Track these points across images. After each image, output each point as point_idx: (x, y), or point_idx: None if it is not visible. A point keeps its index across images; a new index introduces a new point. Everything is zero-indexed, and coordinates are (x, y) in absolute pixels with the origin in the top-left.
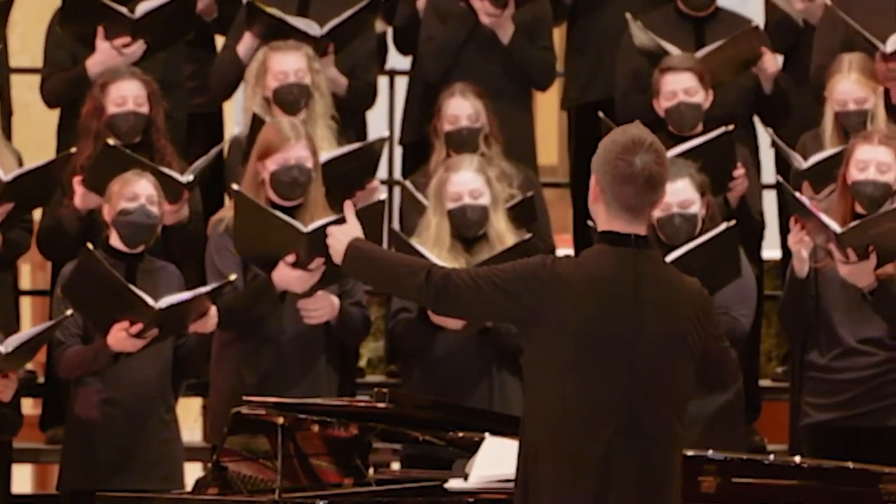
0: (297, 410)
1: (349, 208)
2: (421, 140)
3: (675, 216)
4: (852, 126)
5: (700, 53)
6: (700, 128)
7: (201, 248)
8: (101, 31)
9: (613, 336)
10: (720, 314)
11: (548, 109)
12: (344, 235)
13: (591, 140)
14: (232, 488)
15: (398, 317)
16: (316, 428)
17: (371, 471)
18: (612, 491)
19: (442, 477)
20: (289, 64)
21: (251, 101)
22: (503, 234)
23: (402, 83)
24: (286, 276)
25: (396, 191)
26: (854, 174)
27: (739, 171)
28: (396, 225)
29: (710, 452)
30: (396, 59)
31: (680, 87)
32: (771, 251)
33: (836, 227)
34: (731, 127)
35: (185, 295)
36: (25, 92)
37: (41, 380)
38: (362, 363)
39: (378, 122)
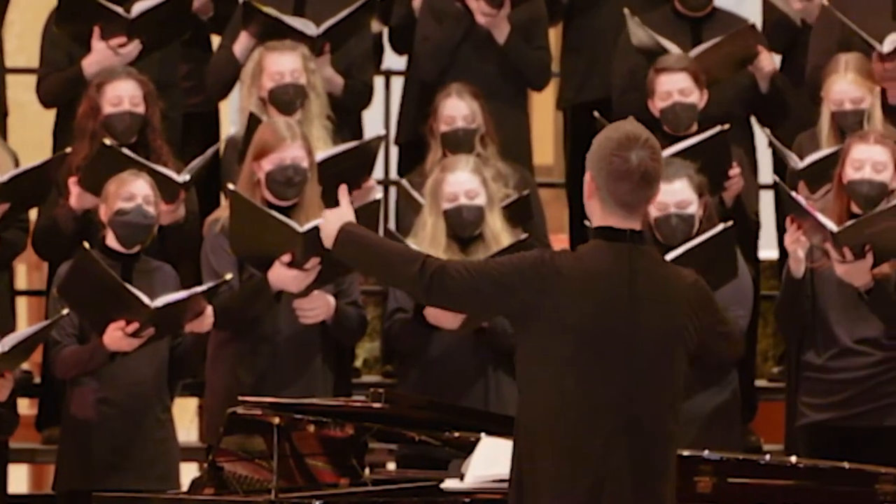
0: (293, 410)
1: (343, 192)
2: (416, 140)
3: (672, 216)
4: (849, 126)
5: (696, 51)
6: (695, 128)
7: (197, 249)
8: (97, 30)
9: (610, 332)
10: None
11: (544, 109)
12: (337, 218)
13: (586, 140)
14: (228, 488)
15: (394, 317)
16: (312, 428)
17: (367, 471)
18: (609, 487)
19: (438, 477)
20: (284, 64)
21: (247, 101)
22: (499, 234)
23: (398, 83)
24: (282, 275)
25: (392, 191)
26: (850, 173)
27: (735, 171)
28: (392, 225)
29: (706, 452)
30: (392, 59)
31: (675, 87)
32: (768, 251)
33: (832, 226)
34: (726, 126)
35: (181, 294)
36: (22, 92)
37: (37, 380)
38: (358, 363)
39: (374, 123)
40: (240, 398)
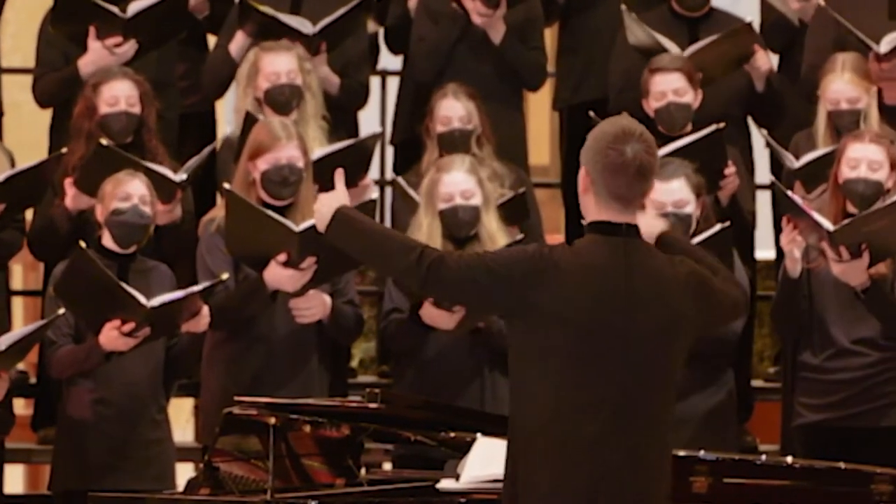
0: (289, 411)
1: (339, 176)
2: (412, 140)
3: (669, 216)
4: (845, 126)
5: (692, 49)
6: (689, 128)
7: (193, 249)
8: (92, 30)
9: (607, 326)
10: None
11: (540, 110)
12: (331, 202)
13: (582, 140)
14: (223, 488)
15: (390, 317)
16: (308, 428)
17: (363, 471)
18: (605, 486)
19: (434, 477)
20: (280, 65)
21: (242, 101)
22: (495, 234)
23: (393, 84)
24: (277, 275)
25: (388, 191)
26: (845, 172)
27: (731, 170)
28: (388, 224)
29: (701, 452)
30: (388, 60)
31: (669, 87)
32: (765, 251)
33: (828, 225)
34: (721, 125)
35: (177, 294)
36: (17, 92)
37: (33, 380)
38: (354, 363)
39: (370, 123)
40: (236, 398)
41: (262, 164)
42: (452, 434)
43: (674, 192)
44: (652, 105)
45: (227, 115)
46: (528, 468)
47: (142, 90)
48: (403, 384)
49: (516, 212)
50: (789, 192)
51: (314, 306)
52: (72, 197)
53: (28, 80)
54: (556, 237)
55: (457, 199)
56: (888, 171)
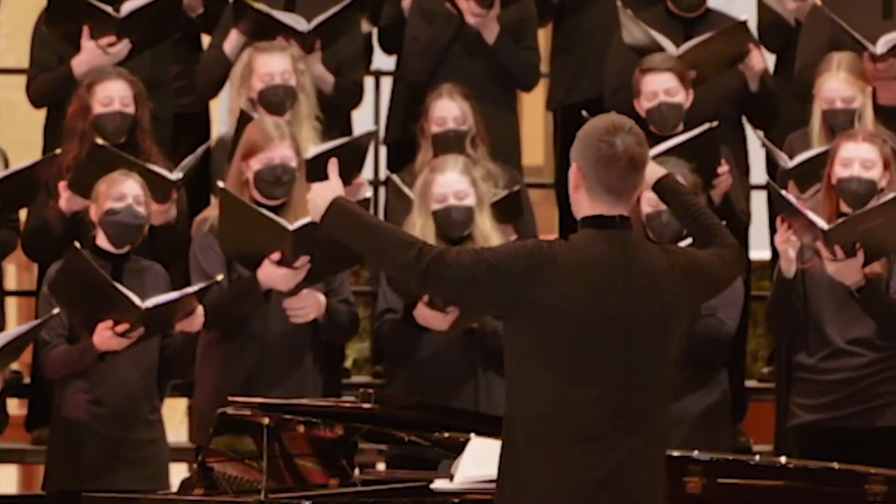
0: (283, 411)
1: (333, 167)
2: (405, 140)
3: (664, 213)
4: (839, 125)
5: (685, 46)
6: (681, 128)
7: (187, 249)
8: (86, 30)
9: (606, 320)
10: (706, 316)
11: (534, 110)
12: (326, 192)
13: None
14: (217, 489)
15: (384, 317)
16: (301, 428)
17: (356, 471)
18: (606, 475)
19: (427, 477)
20: (274, 65)
21: (236, 102)
22: (488, 234)
23: (387, 84)
24: (271, 273)
25: (381, 191)
26: (839, 171)
27: (723, 168)
28: None
29: (695, 453)
30: (382, 60)
31: (661, 87)
32: (760, 252)
33: (822, 224)
34: (714, 123)
35: (172, 295)
36: (11, 92)
37: (27, 380)
38: (348, 364)
39: (363, 123)
40: (229, 398)
41: (256, 163)
42: (446, 434)
43: None
44: (643, 105)
45: (221, 116)
46: (528, 464)
47: (136, 90)
48: (397, 385)
49: (510, 210)
50: (784, 192)
51: (308, 305)
52: (66, 199)
53: (22, 80)
54: (549, 237)
55: (450, 200)
56: (881, 169)
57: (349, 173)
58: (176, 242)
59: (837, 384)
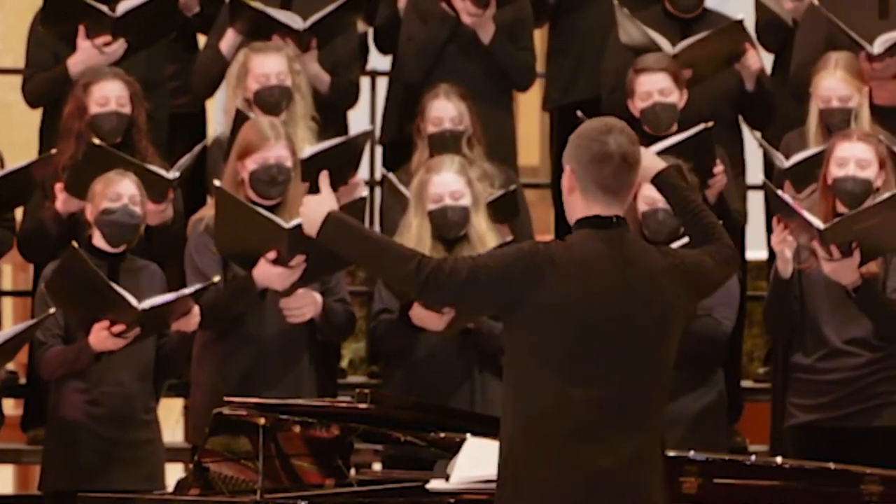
0: (279, 411)
1: (325, 179)
2: (401, 140)
3: (660, 211)
4: (836, 124)
5: (682, 45)
6: (675, 128)
7: (183, 248)
8: (82, 30)
9: (605, 320)
10: (702, 316)
11: (530, 110)
12: (319, 205)
13: None
14: (213, 489)
15: (380, 318)
16: (297, 428)
17: (352, 471)
18: (605, 473)
19: (423, 478)
20: (270, 66)
21: (232, 102)
22: (484, 235)
23: (383, 84)
24: (267, 272)
25: (377, 190)
26: (834, 171)
27: (719, 168)
28: (377, 226)
29: (691, 453)
30: (377, 60)
31: (655, 87)
32: (756, 252)
33: (819, 223)
34: (710, 123)
35: (168, 296)
36: (7, 92)
37: (23, 380)
38: (344, 364)
39: (359, 123)
40: (225, 398)
41: (251, 163)
42: (442, 434)
43: None
44: (637, 105)
45: (217, 116)
46: (528, 464)
47: (132, 90)
48: (393, 385)
49: (506, 209)
50: (780, 192)
51: (305, 304)
52: (62, 201)
53: (18, 80)
54: (545, 238)
55: (446, 200)
56: (877, 169)
57: (345, 173)
58: (172, 242)
59: (835, 384)
